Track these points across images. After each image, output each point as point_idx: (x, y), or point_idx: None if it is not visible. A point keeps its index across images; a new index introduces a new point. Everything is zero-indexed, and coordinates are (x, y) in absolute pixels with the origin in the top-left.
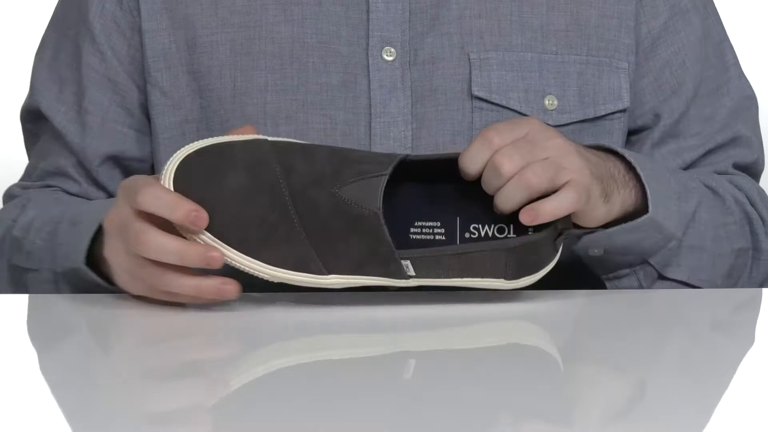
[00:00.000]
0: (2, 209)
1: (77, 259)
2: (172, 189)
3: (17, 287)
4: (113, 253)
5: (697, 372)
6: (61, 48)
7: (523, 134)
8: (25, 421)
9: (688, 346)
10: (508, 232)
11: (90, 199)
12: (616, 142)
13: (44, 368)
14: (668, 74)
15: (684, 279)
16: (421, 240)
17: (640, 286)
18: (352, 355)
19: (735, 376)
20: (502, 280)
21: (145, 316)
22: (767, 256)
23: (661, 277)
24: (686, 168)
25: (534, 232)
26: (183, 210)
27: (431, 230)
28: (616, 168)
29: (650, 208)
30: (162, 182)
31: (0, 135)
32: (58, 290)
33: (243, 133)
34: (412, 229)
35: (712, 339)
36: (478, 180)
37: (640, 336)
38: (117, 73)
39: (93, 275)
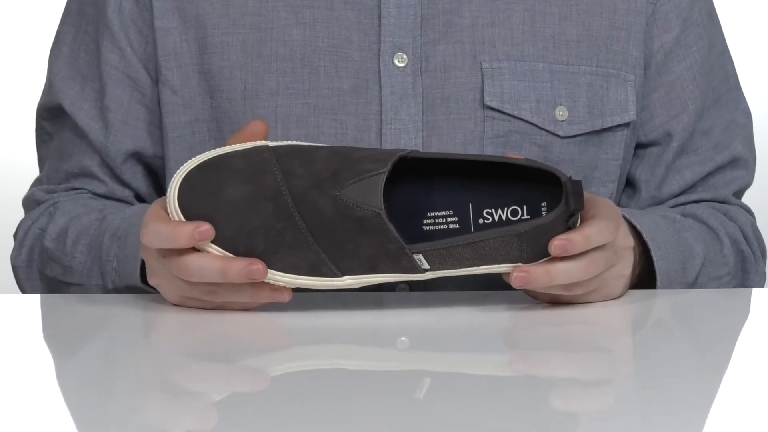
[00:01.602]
0: (28, 215)
1: (132, 277)
2: (177, 208)
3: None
4: (157, 282)
5: (710, 385)
6: (80, 45)
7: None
8: (39, 422)
9: (698, 352)
10: (522, 214)
11: (117, 198)
12: (618, 154)
13: (59, 368)
14: (679, 89)
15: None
16: (435, 231)
17: None
18: (366, 368)
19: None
20: (520, 264)
21: (157, 316)
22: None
23: None
24: (689, 188)
25: (548, 213)
26: (184, 235)
27: (444, 219)
28: (636, 253)
29: (657, 286)
30: (168, 202)
31: (0, 135)
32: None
33: (252, 129)
34: (425, 221)
35: (723, 342)
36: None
37: (652, 345)
38: (136, 70)
39: (150, 289)
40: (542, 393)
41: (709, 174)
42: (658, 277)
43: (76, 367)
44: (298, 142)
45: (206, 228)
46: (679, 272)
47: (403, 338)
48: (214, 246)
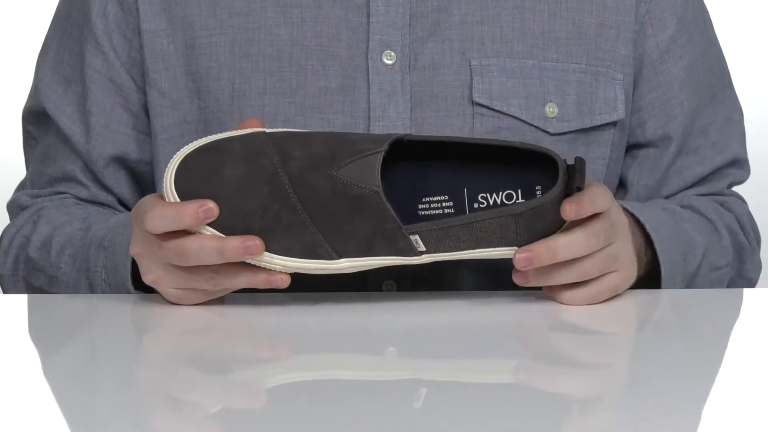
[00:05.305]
0: (12, 222)
1: (124, 286)
2: (173, 190)
3: None
4: (154, 279)
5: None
6: (65, 49)
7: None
8: (28, 423)
9: (695, 353)
10: (517, 198)
11: (100, 203)
12: (605, 153)
13: (47, 370)
14: (677, 89)
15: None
16: (431, 215)
17: None
18: (362, 378)
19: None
20: (515, 248)
21: (145, 316)
22: (747, 284)
23: None
24: (689, 187)
25: (542, 195)
26: (189, 214)
27: (439, 204)
28: (640, 243)
29: (662, 284)
30: (164, 185)
31: (0, 135)
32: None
33: (246, 127)
34: (420, 206)
35: (722, 344)
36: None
37: (649, 346)
38: (119, 74)
39: (142, 293)
40: (541, 397)
41: (709, 174)
42: (663, 270)
43: (62, 369)
44: (292, 129)
45: (211, 206)
46: (680, 263)
47: (391, 348)
48: (210, 228)
